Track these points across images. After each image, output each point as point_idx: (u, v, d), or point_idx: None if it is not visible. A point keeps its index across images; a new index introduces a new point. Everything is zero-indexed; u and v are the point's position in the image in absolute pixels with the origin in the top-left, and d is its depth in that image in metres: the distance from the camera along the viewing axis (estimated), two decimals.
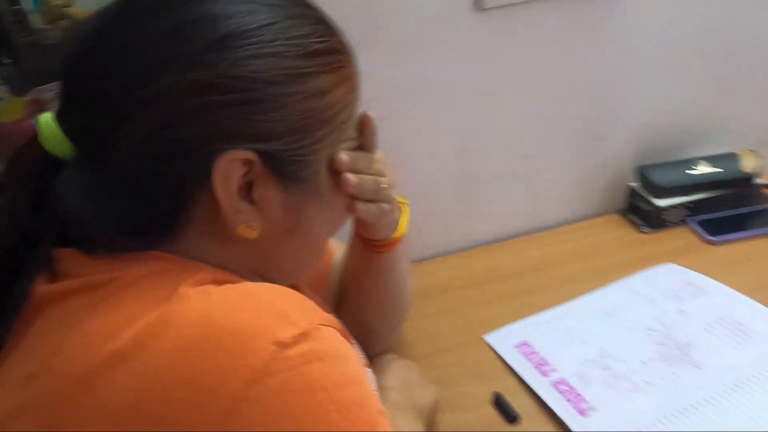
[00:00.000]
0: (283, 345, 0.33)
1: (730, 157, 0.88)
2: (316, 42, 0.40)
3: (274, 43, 0.38)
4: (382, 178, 0.51)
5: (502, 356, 0.70)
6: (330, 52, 0.41)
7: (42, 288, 0.39)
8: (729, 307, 0.70)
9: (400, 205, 0.58)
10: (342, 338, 0.37)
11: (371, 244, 0.59)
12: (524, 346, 0.70)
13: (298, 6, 0.41)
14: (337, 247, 0.67)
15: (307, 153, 0.41)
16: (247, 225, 0.40)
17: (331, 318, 0.38)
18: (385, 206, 0.53)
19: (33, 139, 0.39)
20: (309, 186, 0.42)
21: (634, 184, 0.91)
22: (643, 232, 0.88)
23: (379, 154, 0.51)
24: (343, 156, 0.44)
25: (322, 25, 0.42)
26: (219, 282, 0.38)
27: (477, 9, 0.77)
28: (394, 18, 0.75)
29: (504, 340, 0.72)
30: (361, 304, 0.64)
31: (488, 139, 0.86)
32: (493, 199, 0.90)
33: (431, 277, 0.87)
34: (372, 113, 0.49)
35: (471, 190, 0.89)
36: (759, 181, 0.88)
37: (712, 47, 0.87)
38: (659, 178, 0.87)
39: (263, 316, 0.35)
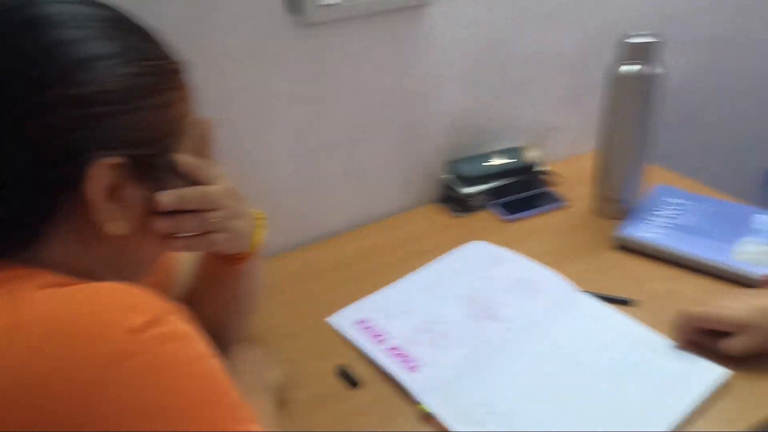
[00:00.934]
0: (135, 331, 0.37)
1: (517, 150, 1.06)
2: (162, 63, 0.48)
3: (131, 63, 0.44)
4: (213, 213, 0.55)
5: (343, 334, 0.78)
6: (173, 72, 0.49)
7: None
8: (523, 270, 0.86)
9: (256, 219, 0.63)
10: (187, 322, 0.41)
11: (223, 257, 0.63)
12: (362, 323, 0.80)
13: (143, 31, 0.48)
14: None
15: (162, 157, 0.48)
16: (114, 223, 0.45)
17: (174, 305, 0.42)
18: (218, 237, 0.56)
19: None
20: (165, 186, 0.49)
21: (446, 177, 1.06)
22: (455, 217, 1.03)
23: (220, 173, 0.57)
24: (164, 197, 0.49)
25: (164, 47, 0.49)
26: (62, 285, 0.40)
27: (300, 25, 0.84)
28: (223, 33, 0.80)
29: (344, 320, 0.81)
30: (215, 304, 0.67)
31: (318, 142, 0.94)
32: (326, 197, 0.99)
33: (274, 273, 0.92)
34: (209, 119, 0.56)
35: (306, 189, 0.97)
36: (539, 168, 1.07)
37: (497, 59, 1.04)
38: (464, 169, 1.02)
39: (112, 309, 0.38)
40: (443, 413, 0.64)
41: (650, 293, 0.81)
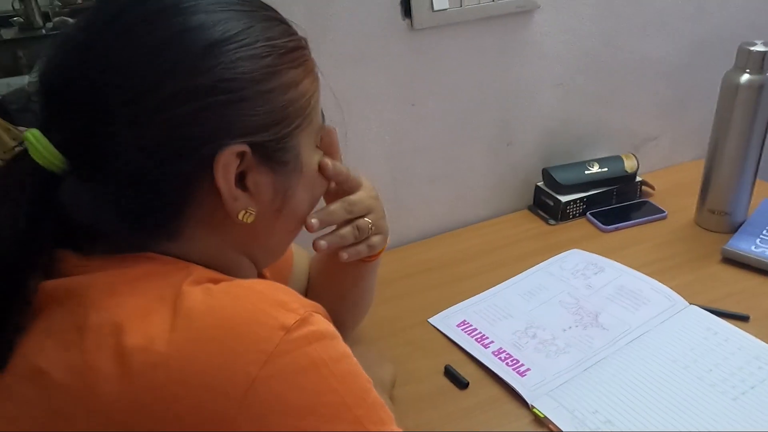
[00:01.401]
0: (288, 329, 0.38)
1: (616, 159, 1.05)
2: (285, 41, 0.45)
3: (254, 45, 0.42)
4: (366, 219, 0.59)
5: (447, 334, 0.79)
6: (296, 49, 0.46)
7: (45, 286, 0.41)
8: (625, 280, 0.85)
9: None
10: (328, 321, 0.42)
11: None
12: (464, 324, 0.80)
13: (266, 10, 0.46)
14: (297, 250, 0.73)
15: (289, 139, 0.45)
16: (245, 210, 0.44)
17: (316, 304, 0.42)
18: (376, 239, 0.60)
19: (22, 154, 0.41)
20: (293, 168, 0.47)
21: (540, 183, 1.05)
22: (549, 224, 1.02)
23: (359, 175, 0.59)
24: (313, 221, 0.53)
25: (286, 25, 0.46)
26: (215, 281, 0.41)
27: (409, 29, 0.86)
28: (337, 32, 0.83)
29: (446, 321, 0.82)
30: (334, 302, 0.66)
31: (414, 144, 0.96)
32: (420, 198, 1.00)
33: None
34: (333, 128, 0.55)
35: (400, 191, 0.98)
36: (637, 178, 1.05)
37: (597, 66, 1.03)
38: (561, 177, 1.02)
39: (266, 305, 0.39)
40: (557, 418, 0.64)
41: (764, 310, 0.78)
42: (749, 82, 0.84)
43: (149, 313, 0.38)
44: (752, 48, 0.83)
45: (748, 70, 0.84)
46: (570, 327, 0.78)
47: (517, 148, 1.04)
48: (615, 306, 0.80)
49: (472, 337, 0.78)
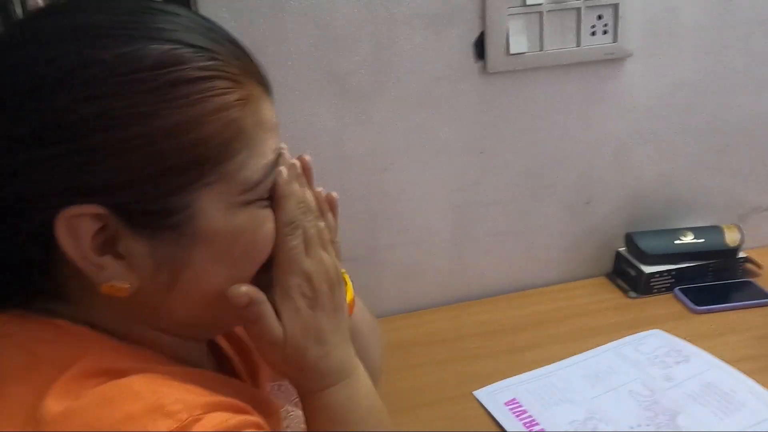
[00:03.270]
0: None
1: (715, 230, 0.92)
2: (168, 71, 0.34)
3: (107, 82, 0.33)
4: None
5: (492, 413, 0.70)
6: (191, 81, 0.35)
7: None
8: (715, 376, 0.72)
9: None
10: (244, 414, 0.35)
11: None
12: (513, 404, 0.71)
13: (150, 31, 0.35)
14: None
15: (174, 198, 0.35)
16: (113, 283, 0.35)
17: (223, 401, 0.35)
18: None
19: None
20: (185, 234, 0.36)
21: (622, 250, 0.94)
22: (629, 297, 0.90)
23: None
24: (238, 296, 0.39)
25: (187, 48, 0.35)
26: (109, 372, 0.34)
27: (482, 72, 0.80)
28: (405, 72, 0.79)
29: (493, 396, 0.72)
30: None
31: (482, 196, 0.88)
32: (485, 255, 0.92)
33: (423, 328, 0.88)
34: (307, 156, 0.45)
35: (464, 244, 0.91)
36: (741, 254, 0.91)
37: (699, 123, 0.91)
38: (646, 245, 0.90)
39: (137, 410, 0.32)
40: None
41: None
42: None
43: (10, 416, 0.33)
44: None
45: None
46: (639, 425, 0.66)
47: (598, 208, 0.93)
48: (699, 407, 0.68)
49: (520, 419, 0.68)
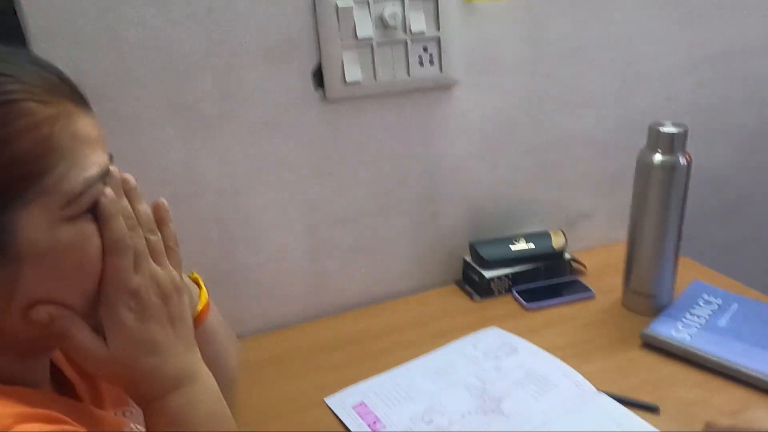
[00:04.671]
0: None
1: (544, 235, 1.03)
2: None
3: None
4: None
5: (340, 417, 0.74)
6: None
7: None
8: (536, 363, 0.81)
9: (192, 280, 0.58)
10: (49, 426, 0.36)
11: None
12: (361, 407, 0.75)
13: None
14: None
15: None
16: None
17: (37, 412, 0.37)
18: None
19: None
20: (10, 255, 0.38)
21: (467, 258, 1.03)
22: (474, 301, 0.99)
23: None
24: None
25: None
26: None
27: (322, 99, 0.86)
28: (249, 101, 0.83)
29: (343, 401, 0.77)
30: None
31: (335, 215, 0.94)
32: (341, 271, 0.97)
33: (282, 345, 0.91)
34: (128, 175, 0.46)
35: (321, 262, 0.96)
36: (567, 256, 1.03)
37: (526, 141, 1.02)
38: (486, 252, 0.99)
39: None
40: None
41: (677, 400, 0.74)
42: (661, 163, 0.83)
43: None
44: (662, 129, 0.83)
45: (659, 150, 0.83)
46: (470, 413, 0.73)
47: (443, 220, 1.02)
48: (521, 391, 0.76)
49: (365, 420, 0.73)
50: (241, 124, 0.84)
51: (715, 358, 0.78)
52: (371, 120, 0.91)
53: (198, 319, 0.55)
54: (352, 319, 0.96)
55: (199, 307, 0.56)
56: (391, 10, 0.85)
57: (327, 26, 0.83)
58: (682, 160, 0.83)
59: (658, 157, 0.83)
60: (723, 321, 0.85)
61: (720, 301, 0.90)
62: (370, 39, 0.85)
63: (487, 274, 0.98)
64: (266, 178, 0.88)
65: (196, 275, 0.59)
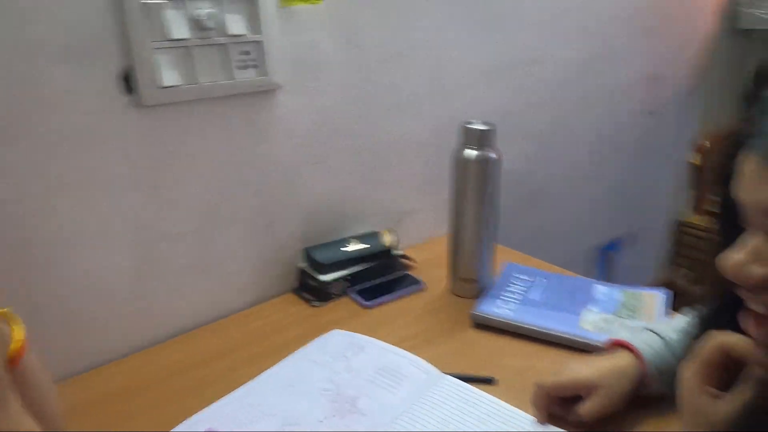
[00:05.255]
0: None
1: (375, 235, 1.06)
2: None
3: None
4: None
5: None
6: None
7: None
8: (385, 358, 0.83)
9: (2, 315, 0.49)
10: None
11: None
12: None
13: None
14: None
15: None
16: None
17: None
18: None
19: None
20: None
21: (303, 265, 1.02)
22: (313, 306, 0.98)
23: None
24: None
25: None
26: None
27: (136, 106, 0.79)
28: (49, 109, 0.72)
29: (191, 429, 0.70)
30: None
31: (163, 231, 0.86)
32: (173, 292, 0.90)
33: (109, 384, 0.80)
34: None
35: (149, 284, 0.87)
36: (396, 252, 1.07)
37: (354, 144, 1.05)
38: (321, 256, 0.99)
39: None
40: None
41: (509, 369, 0.81)
42: (475, 158, 0.91)
43: None
44: (473, 126, 0.91)
45: (472, 147, 0.91)
46: (326, 418, 0.72)
47: (279, 228, 1.00)
48: (375, 388, 0.77)
49: None
50: (42, 137, 0.73)
51: (534, 327, 0.88)
52: (194, 127, 0.85)
53: (12, 362, 0.46)
54: (190, 342, 0.89)
55: (14, 346, 0.47)
56: (207, 11, 0.80)
57: (135, 25, 0.76)
58: (493, 155, 0.92)
59: (471, 153, 0.91)
60: (536, 294, 0.96)
61: (530, 278, 1.02)
62: (187, 41, 0.80)
63: (324, 277, 0.98)
64: (78, 195, 0.78)
65: (5, 310, 0.49)
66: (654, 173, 1.87)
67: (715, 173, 0.51)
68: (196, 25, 0.80)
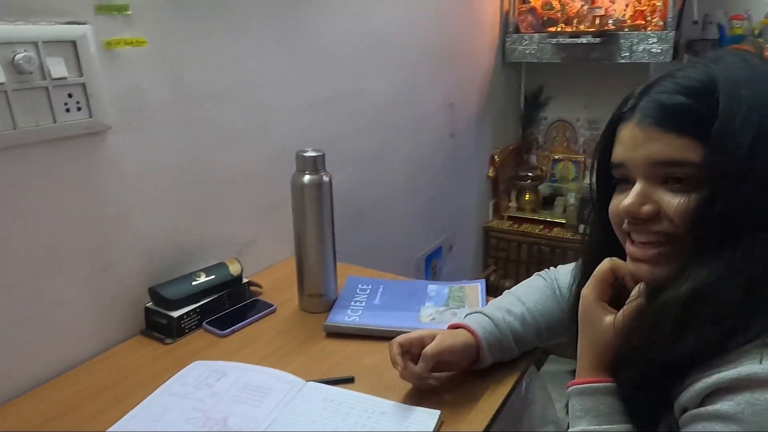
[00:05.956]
0: None
1: (221, 266, 1.09)
2: None
3: None
4: None
5: None
6: None
7: None
8: (247, 377, 0.86)
9: None
10: None
11: None
12: None
13: None
14: None
15: None
16: None
17: None
18: None
19: None
20: None
21: (149, 304, 1.00)
22: (167, 344, 0.97)
23: None
24: None
25: None
26: None
27: None
28: None
29: None
30: None
31: None
32: (2, 352, 0.83)
33: None
34: None
35: None
36: (245, 280, 1.11)
37: (192, 180, 1.07)
38: (169, 293, 0.99)
39: None
40: None
41: (364, 367, 0.90)
42: (310, 182, 1.00)
43: None
44: (305, 154, 1.00)
45: (307, 172, 1.00)
46: None
47: (118, 271, 0.97)
48: (242, 405, 0.80)
49: None
50: None
51: (380, 327, 0.98)
52: (18, 173, 0.82)
53: None
54: (26, 406, 0.83)
55: None
56: (24, 55, 0.79)
57: None
58: (326, 178, 1.01)
59: (307, 177, 1.00)
60: (378, 299, 1.07)
61: (371, 287, 1.12)
62: (2, 84, 0.77)
63: (175, 313, 0.98)
64: None
65: None
66: (461, 187, 2.14)
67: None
68: (14, 68, 0.78)
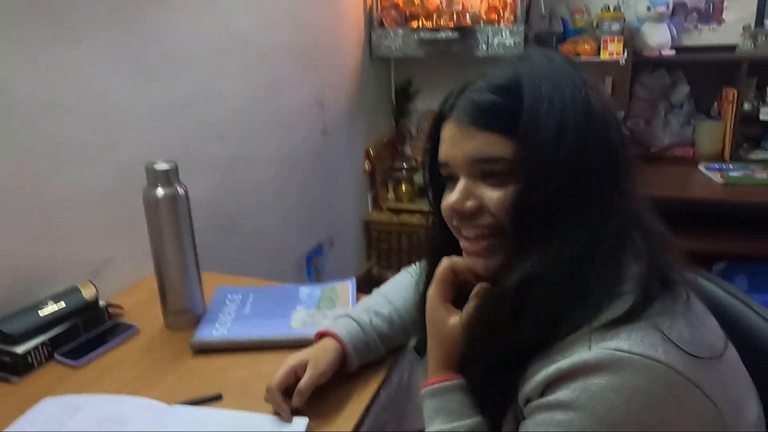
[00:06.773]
0: None
1: (73, 291, 1.01)
2: None
3: None
4: None
5: None
6: None
7: None
8: (104, 409, 0.81)
9: None
10: None
11: None
12: None
13: None
14: None
15: None
16: None
17: None
18: None
19: None
20: None
21: None
22: (13, 384, 0.89)
23: None
24: None
25: None
26: None
27: None
28: None
29: None
30: None
31: None
32: None
33: None
34: None
35: None
36: (101, 304, 1.04)
37: (23, 205, 0.98)
38: (11, 328, 0.91)
39: None
40: None
41: (233, 382, 0.88)
42: (164, 196, 0.95)
43: None
44: (156, 167, 0.95)
45: (160, 185, 0.95)
46: None
47: None
48: None
49: None
50: None
51: (250, 338, 0.96)
52: None
53: None
54: None
55: None
56: None
57: None
58: (180, 190, 0.97)
59: (160, 191, 0.95)
60: (247, 309, 1.05)
61: (241, 296, 1.10)
62: None
63: (20, 349, 0.90)
64: None
65: None
66: (338, 183, 2.15)
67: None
68: None
